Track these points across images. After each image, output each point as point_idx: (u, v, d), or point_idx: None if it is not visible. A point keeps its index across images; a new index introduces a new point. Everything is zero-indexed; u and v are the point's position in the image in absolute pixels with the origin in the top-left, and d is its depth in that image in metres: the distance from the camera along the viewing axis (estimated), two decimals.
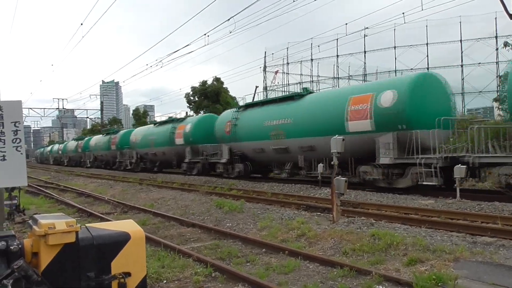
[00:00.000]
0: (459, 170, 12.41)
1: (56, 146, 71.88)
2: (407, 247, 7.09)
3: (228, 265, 6.93)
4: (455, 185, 12.69)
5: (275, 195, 15.99)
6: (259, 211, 11.90)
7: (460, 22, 40.16)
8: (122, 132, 42.51)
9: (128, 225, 2.73)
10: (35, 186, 23.74)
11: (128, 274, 2.56)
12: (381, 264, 6.53)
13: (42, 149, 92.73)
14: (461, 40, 40.41)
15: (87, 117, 69.17)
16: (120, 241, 2.57)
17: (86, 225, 2.67)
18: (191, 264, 6.99)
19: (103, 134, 47.05)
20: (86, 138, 53.51)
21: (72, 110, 79.40)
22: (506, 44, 22.52)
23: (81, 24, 28.48)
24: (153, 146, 33.19)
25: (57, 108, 61.08)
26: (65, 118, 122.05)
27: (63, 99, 59.90)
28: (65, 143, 67.19)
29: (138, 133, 37.32)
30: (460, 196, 12.36)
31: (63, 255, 2.42)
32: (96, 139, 47.98)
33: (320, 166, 17.62)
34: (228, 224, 10.75)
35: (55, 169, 50.26)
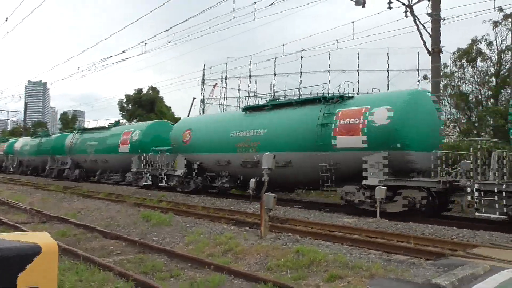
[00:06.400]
0: (380, 191, 13.18)
1: None
2: (328, 264, 7.36)
3: (151, 280, 6.75)
4: (376, 204, 13.46)
5: (206, 209, 15.87)
6: (187, 225, 11.74)
7: (388, 53, 43.01)
8: (55, 135, 39.42)
9: (40, 237, 2.59)
10: None
11: None
12: (303, 280, 6.72)
13: None
14: (388, 70, 43.29)
15: (8, 118, 64.23)
16: (29, 254, 2.42)
17: None
18: (112, 278, 6.71)
19: (31, 137, 43.05)
20: (10, 141, 49.30)
21: None
22: (425, 77, 24.63)
23: (6, 19, 26.51)
24: (93, 154, 30.76)
25: None
26: None
27: None
28: None
29: (75, 137, 34.77)
30: (380, 216, 13.12)
31: None
32: (23, 142, 43.84)
33: (252, 181, 17.82)
34: (154, 238, 10.47)
35: None
